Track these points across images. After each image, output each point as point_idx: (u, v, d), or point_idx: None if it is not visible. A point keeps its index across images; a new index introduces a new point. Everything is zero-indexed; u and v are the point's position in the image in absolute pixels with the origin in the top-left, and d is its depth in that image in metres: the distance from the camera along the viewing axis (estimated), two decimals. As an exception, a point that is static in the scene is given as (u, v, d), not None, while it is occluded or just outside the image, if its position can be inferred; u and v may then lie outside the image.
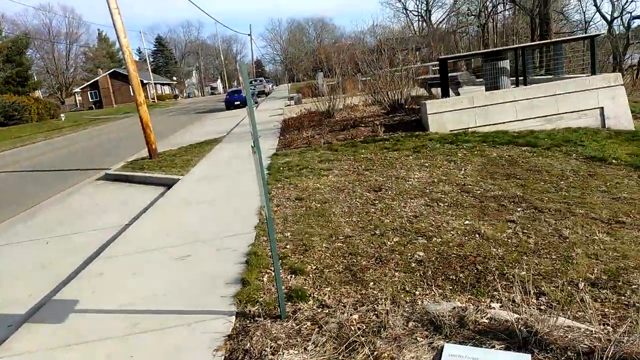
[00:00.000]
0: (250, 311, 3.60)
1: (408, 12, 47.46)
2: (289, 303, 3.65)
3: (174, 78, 79.22)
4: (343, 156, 8.76)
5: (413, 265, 4.21)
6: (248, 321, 3.46)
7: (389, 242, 4.70)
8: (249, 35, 48.87)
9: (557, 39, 16.87)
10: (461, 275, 3.97)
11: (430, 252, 4.43)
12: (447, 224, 5.07)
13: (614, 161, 7.10)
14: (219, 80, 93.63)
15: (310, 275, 4.16)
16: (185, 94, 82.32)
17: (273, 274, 3.98)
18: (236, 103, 29.91)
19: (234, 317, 3.54)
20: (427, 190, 6.26)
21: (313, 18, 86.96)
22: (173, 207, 7.02)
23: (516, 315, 2.99)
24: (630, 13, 26.22)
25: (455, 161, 7.63)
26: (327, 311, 3.44)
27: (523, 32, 33.84)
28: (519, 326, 2.81)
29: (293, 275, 4.18)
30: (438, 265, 4.18)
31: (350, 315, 3.33)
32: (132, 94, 13.03)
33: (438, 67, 17.32)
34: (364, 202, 6.02)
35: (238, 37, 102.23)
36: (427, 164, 7.58)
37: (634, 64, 23.86)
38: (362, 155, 8.59)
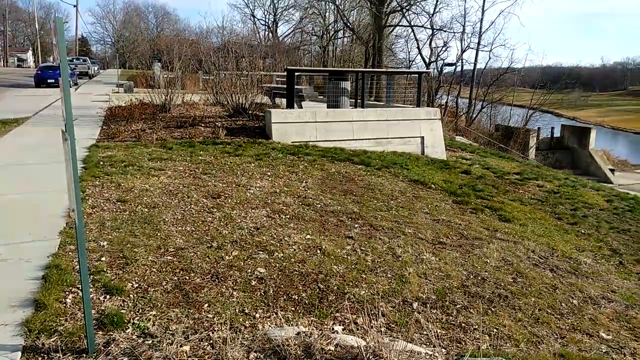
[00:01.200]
0: (44, 344, 2.74)
1: (256, 19, 47.71)
2: (101, 332, 2.90)
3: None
4: (178, 156, 7.94)
5: (253, 283, 3.83)
6: (40, 358, 2.62)
7: (227, 257, 4.24)
8: (74, 6, 42.73)
9: (394, 70, 18.83)
10: (304, 294, 3.75)
11: (271, 268, 4.12)
12: (289, 237, 4.84)
13: (432, 185, 7.91)
14: (30, 52, 79.63)
15: (131, 295, 3.43)
16: (-22, 62, 67.73)
17: (80, 293, 3.14)
18: (49, 81, 25.46)
19: (19, 352, 2.64)
20: (269, 201, 5.98)
21: (154, 5, 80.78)
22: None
23: (363, 343, 2.84)
24: (443, 60, 31.08)
25: (297, 173, 7.56)
26: (150, 342, 2.80)
27: (358, 60, 37.00)
28: (368, 355, 2.65)
29: (108, 296, 3.40)
30: (280, 283, 3.88)
31: (180, 346, 2.76)
32: None
33: (284, 78, 17.55)
34: (201, 209, 5.43)
35: (61, 7, 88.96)
36: (269, 173, 7.33)
37: (442, 104, 28.26)
38: (201, 157, 7.92)
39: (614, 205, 9.25)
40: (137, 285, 3.60)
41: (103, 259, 3.98)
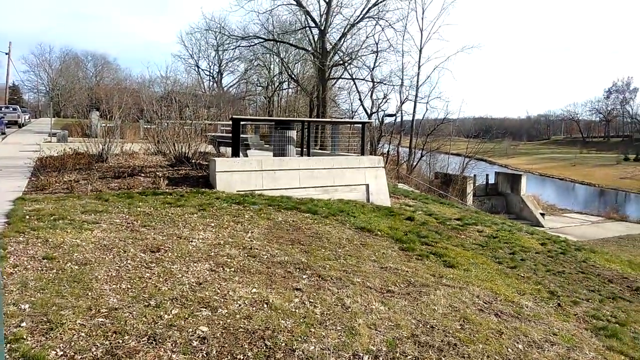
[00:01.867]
0: None
1: (200, 70, 48.07)
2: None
3: None
4: (115, 208, 7.51)
5: (195, 343, 3.55)
6: None
7: (166, 315, 3.93)
8: (6, 54, 41.05)
9: (338, 120, 19.40)
10: (249, 353, 3.51)
11: (215, 326, 3.86)
12: (234, 292, 4.60)
13: (379, 233, 7.96)
14: (-48, 99, 74.68)
15: (54, 366, 3.05)
16: None
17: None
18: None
19: None
20: (213, 253, 5.72)
21: (94, 53, 79.03)
22: None
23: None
24: (384, 111, 32.64)
25: (242, 222, 7.36)
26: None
27: (303, 111, 37.94)
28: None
29: (26, 368, 3.00)
30: (224, 342, 3.63)
31: None
32: None
33: (229, 127, 17.49)
34: (138, 264, 5.08)
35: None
36: (213, 224, 7.08)
37: (384, 152, 29.34)
38: (140, 209, 7.53)
39: (548, 248, 9.74)
40: (61, 353, 3.23)
41: (23, 324, 3.56)
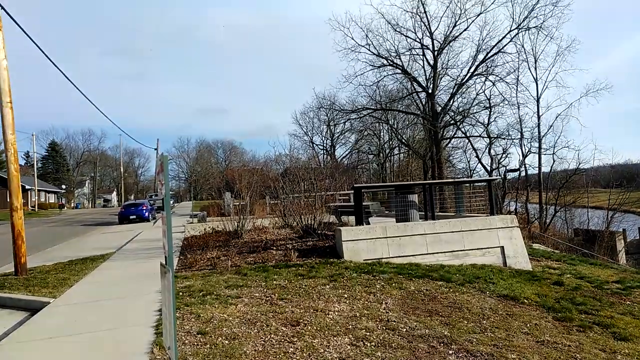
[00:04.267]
0: None
1: (314, 145, 50.99)
2: None
3: (63, 186, 72.99)
4: (253, 282, 7.90)
5: None
6: None
7: (315, 394, 3.86)
8: (155, 149, 48.01)
9: (461, 179, 18.74)
10: None
11: (365, 407, 3.67)
12: (379, 369, 4.39)
13: (525, 301, 7.17)
14: (114, 193, 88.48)
15: None
16: (72, 204, 75.60)
17: None
18: (131, 217, 27.74)
19: None
20: (350, 326, 5.61)
21: (222, 141, 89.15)
22: (34, 342, 5.46)
23: None
24: (505, 166, 30.76)
25: (374, 293, 7.19)
26: None
27: (416, 174, 37.60)
28: None
29: None
30: None
31: None
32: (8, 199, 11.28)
33: (346, 196, 17.90)
34: (281, 339, 5.17)
35: (142, 151, 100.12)
36: (345, 295, 7.03)
37: (511, 210, 27.20)
38: (275, 282, 7.83)
39: None
40: None
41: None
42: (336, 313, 6.15)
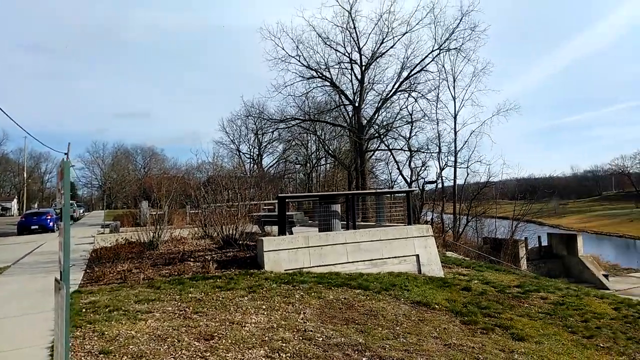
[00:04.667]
0: None
1: (241, 153, 50.22)
2: None
3: (-52, 193, 64.79)
4: (167, 295, 7.52)
5: None
6: None
7: (225, 410, 3.72)
8: (65, 154, 44.47)
9: (382, 190, 19.36)
10: None
11: (276, 421, 3.60)
12: (293, 380, 4.35)
13: (436, 306, 7.53)
14: (14, 201, 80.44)
15: None
16: (-44, 212, 67.47)
17: None
18: (33, 227, 25.28)
19: None
20: (267, 338, 5.52)
21: (142, 146, 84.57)
22: None
23: None
24: (424, 179, 32.46)
25: (293, 303, 7.16)
26: None
27: (341, 184, 38.36)
28: None
29: None
30: None
31: None
32: None
33: (271, 206, 17.77)
34: (193, 354, 4.94)
35: (50, 155, 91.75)
36: (264, 306, 6.92)
37: (428, 220, 28.70)
38: (191, 295, 7.51)
39: (623, 313, 8.88)
40: None
41: None
42: (253, 325, 6.02)
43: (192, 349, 5.10)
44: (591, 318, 8.12)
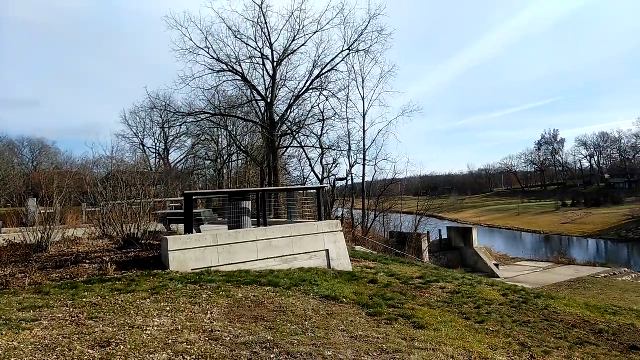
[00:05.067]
0: None
1: (146, 148, 47.49)
2: None
3: None
4: (57, 301, 6.85)
5: None
6: None
7: (120, 422, 3.46)
8: None
9: (294, 187, 19.42)
10: None
11: None
12: (197, 383, 4.18)
13: (344, 300, 7.73)
14: None
15: None
16: None
17: None
18: None
19: None
20: (170, 341, 5.25)
21: (31, 138, 76.01)
22: None
23: None
24: (335, 175, 33.31)
25: (200, 304, 6.90)
26: None
27: (254, 181, 37.92)
28: None
29: None
30: None
31: None
32: None
33: (179, 203, 17.02)
34: (86, 364, 4.54)
35: None
36: (168, 308, 6.59)
37: (338, 216, 29.53)
38: (85, 300, 6.91)
39: (510, 299, 9.83)
40: None
41: None
42: (155, 328, 5.70)
43: (86, 357, 4.68)
44: (483, 304, 8.87)
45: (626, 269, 31.98)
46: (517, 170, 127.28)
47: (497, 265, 30.43)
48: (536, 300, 9.87)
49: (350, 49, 32.28)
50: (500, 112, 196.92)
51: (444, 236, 34.21)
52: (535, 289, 15.48)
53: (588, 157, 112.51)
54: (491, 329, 7.16)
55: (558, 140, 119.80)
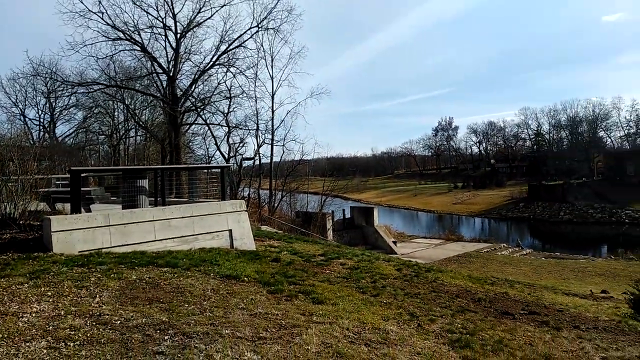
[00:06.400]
0: None
1: (27, 119, 42.44)
2: None
3: None
4: None
5: None
6: None
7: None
8: None
9: (195, 165, 18.66)
10: None
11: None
12: (80, 371, 3.90)
13: (245, 279, 7.69)
14: None
15: None
16: None
17: None
18: None
19: None
20: (51, 327, 4.82)
21: None
22: None
23: None
24: (242, 155, 32.75)
25: (87, 287, 6.42)
26: None
27: (154, 158, 35.89)
28: None
29: None
30: None
31: None
32: None
33: (67, 181, 15.54)
34: (-57, 358, 4.00)
35: None
36: (49, 293, 6.03)
37: (245, 196, 29.20)
38: (-54, 288, 6.07)
39: (404, 273, 10.53)
40: None
41: None
42: (34, 315, 5.19)
43: (-57, 352, 4.13)
44: (379, 279, 9.40)
45: (505, 244, 36.00)
46: (416, 154, 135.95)
47: (395, 243, 32.44)
48: (427, 274, 10.70)
49: (259, 26, 31.61)
50: (404, 98, 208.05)
51: (347, 215, 35.56)
52: (427, 264, 16.79)
53: (477, 144, 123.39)
54: (385, 301, 7.62)
55: (452, 127, 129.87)
